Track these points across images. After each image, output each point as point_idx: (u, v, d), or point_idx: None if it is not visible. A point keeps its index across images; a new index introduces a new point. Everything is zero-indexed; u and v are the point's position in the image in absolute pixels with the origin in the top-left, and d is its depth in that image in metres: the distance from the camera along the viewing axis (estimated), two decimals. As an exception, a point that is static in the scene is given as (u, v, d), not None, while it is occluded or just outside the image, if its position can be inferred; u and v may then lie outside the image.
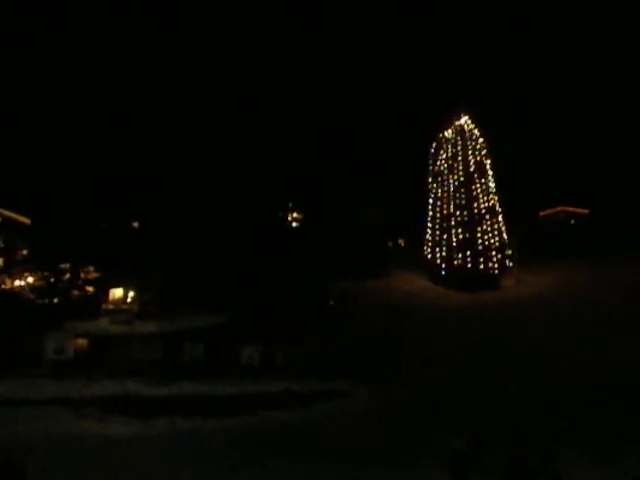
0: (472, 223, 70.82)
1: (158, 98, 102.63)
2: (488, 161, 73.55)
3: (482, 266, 68.73)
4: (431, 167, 77.22)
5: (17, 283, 61.78)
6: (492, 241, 70.18)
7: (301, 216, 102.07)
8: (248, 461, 21.74)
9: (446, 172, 74.17)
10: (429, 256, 72.59)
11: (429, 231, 74.02)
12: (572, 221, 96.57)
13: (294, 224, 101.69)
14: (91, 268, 63.91)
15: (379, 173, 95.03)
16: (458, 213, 71.56)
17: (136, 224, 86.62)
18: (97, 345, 43.43)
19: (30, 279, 62.18)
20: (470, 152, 73.71)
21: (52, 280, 62.10)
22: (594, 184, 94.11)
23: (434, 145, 77.64)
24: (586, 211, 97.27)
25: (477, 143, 74.06)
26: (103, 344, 43.77)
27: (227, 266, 64.26)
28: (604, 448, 23.69)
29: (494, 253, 69.52)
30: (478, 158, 73.38)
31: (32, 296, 59.04)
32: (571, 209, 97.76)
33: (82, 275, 63.39)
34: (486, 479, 19.00)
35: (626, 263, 65.01)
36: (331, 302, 59.21)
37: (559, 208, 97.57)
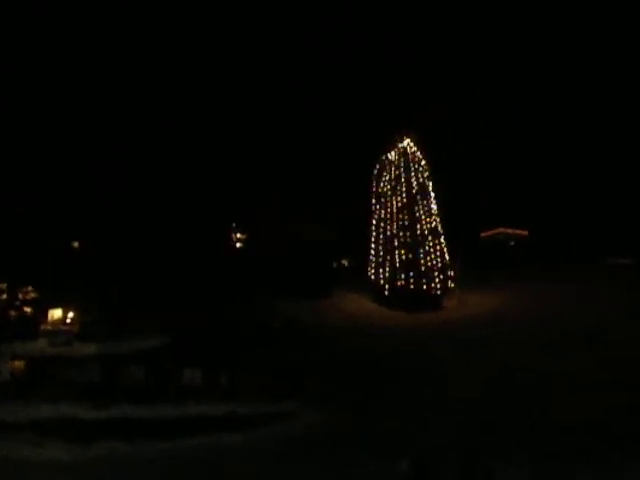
0: (415, 244, 71.55)
1: (94, 110, 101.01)
2: (430, 183, 74.55)
3: (425, 287, 69.40)
4: (374, 188, 77.87)
5: (-48, 304, 60.22)
6: (434, 262, 70.95)
7: (245, 236, 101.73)
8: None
9: (389, 194, 74.85)
10: (373, 277, 73.01)
11: (373, 252, 74.49)
12: (511, 242, 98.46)
13: (238, 244, 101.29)
14: (29, 288, 62.63)
15: (323, 194, 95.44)
16: (401, 234, 72.20)
17: (76, 244, 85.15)
18: (34, 367, 42.42)
19: (-35, 300, 60.65)
20: (413, 174, 74.60)
21: (-12, 301, 60.68)
22: (533, 206, 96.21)
23: (377, 167, 78.39)
24: (525, 232, 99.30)
25: (420, 165, 75.03)
26: (41, 366, 42.77)
27: (169, 287, 63.58)
28: (547, 465, 24.06)
29: (436, 274, 70.27)
30: (421, 180, 74.29)
31: (-33, 317, 57.54)
32: (510, 230, 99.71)
33: (20, 295, 62.03)
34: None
35: (567, 282, 66.76)
36: (275, 324, 59.00)
37: (499, 229, 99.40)
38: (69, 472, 24.10)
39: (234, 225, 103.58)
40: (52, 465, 25.27)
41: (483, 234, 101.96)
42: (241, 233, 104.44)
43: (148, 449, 29.30)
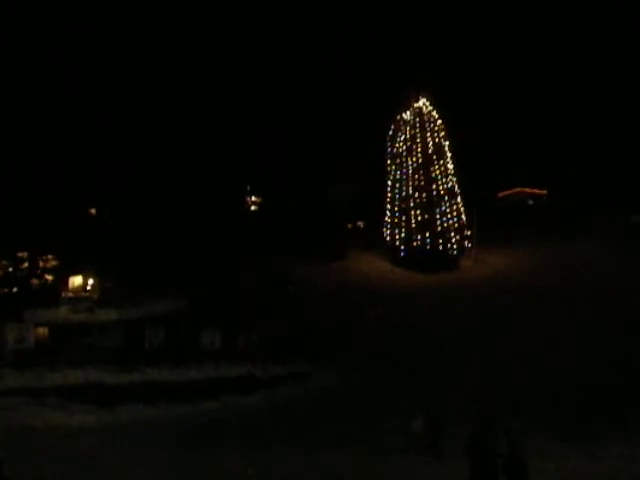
0: (431, 204, 71.46)
1: (115, 79, 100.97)
2: (447, 143, 74.18)
3: (441, 247, 69.49)
4: (389, 149, 77.62)
5: (-26, 273, 61.12)
6: (451, 222, 70.91)
7: (260, 199, 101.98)
8: (209, 446, 22.06)
9: (404, 154, 74.61)
10: (388, 238, 73.13)
11: (388, 213, 74.49)
12: (530, 202, 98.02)
13: (253, 207, 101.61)
14: (50, 256, 63.40)
15: (337, 155, 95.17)
16: (417, 195, 72.09)
17: (93, 211, 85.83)
18: (58, 334, 43.23)
19: (-12, 269, 61.54)
20: (428, 134, 74.22)
21: (10, 269, 61.53)
22: (552, 165, 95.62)
23: (392, 127, 78.04)
24: (544, 192, 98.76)
25: (435, 125, 74.59)
26: (64, 333, 43.57)
27: (186, 251, 64.13)
28: (568, 428, 24.35)
29: (453, 234, 70.29)
30: (437, 140, 73.92)
31: (-10, 286, 58.45)
32: (529, 190, 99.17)
33: (41, 263, 62.88)
34: (446, 460, 19.48)
35: (584, 242, 66.57)
36: (290, 287, 59.52)
37: (517, 189, 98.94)
38: (94, 435, 24.72)
39: (248, 188, 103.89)
40: (77, 429, 25.92)
41: (501, 194, 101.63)
42: (256, 196, 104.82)
43: (170, 411, 29.97)
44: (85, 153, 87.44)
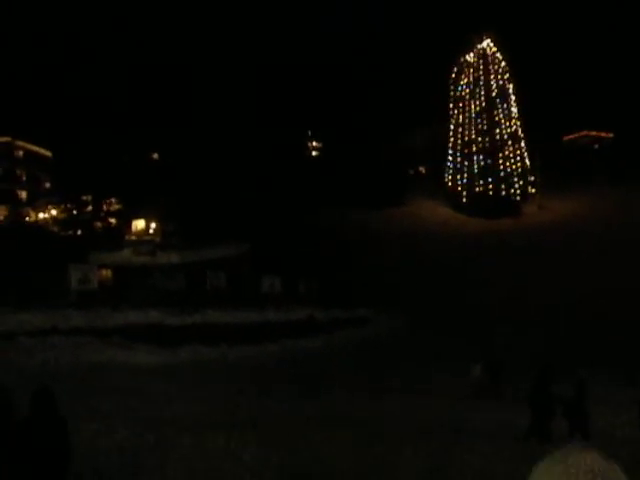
0: (494, 149, 69.99)
1: (177, 31, 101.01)
2: (511, 85, 72.17)
3: (504, 193, 68.21)
4: (452, 92, 75.96)
5: (41, 216, 62.44)
6: (514, 167, 69.45)
7: (320, 144, 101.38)
8: (267, 386, 22.15)
9: (467, 97, 73.01)
10: (450, 183, 72.11)
11: (450, 158, 73.32)
12: (596, 146, 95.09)
13: (314, 153, 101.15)
14: (113, 200, 64.36)
15: (398, 100, 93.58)
16: (480, 139, 70.68)
17: (156, 155, 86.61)
18: (121, 276, 43.99)
19: (54, 212, 62.80)
20: (492, 76, 72.32)
21: (75, 212, 62.69)
22: (618, 108, 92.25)
23: (455, 70, 76.22)
24: (610, 135, 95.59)
25: (499, 67, 72.58)
26: (127, 275, 44.30)
27: (247, 197, 64.33)
28: (627, 373, 23.83)
29: (516, 179, 68.88)
30: (500, 82, 72.01)
31: (56, 228, 59.70)
32: (595, 133, 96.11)
33: (104, 207, 63.93)
34: (506, 406, 19.23)
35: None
36: (346, 234, 59.24)
37: (583, 132, 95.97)
38: (157, 374, 25.07)
39: (310, 133, 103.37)
40: (140, 368, 26.32)
41: (566, 137, 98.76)
42: (317, 142, 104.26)
43: (231, 353, 30.25)
44: (148, 97, 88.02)
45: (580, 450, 1.78)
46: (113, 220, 62.43)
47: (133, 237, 57.37)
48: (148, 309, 35.80)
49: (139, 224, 59.47)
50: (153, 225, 59.76)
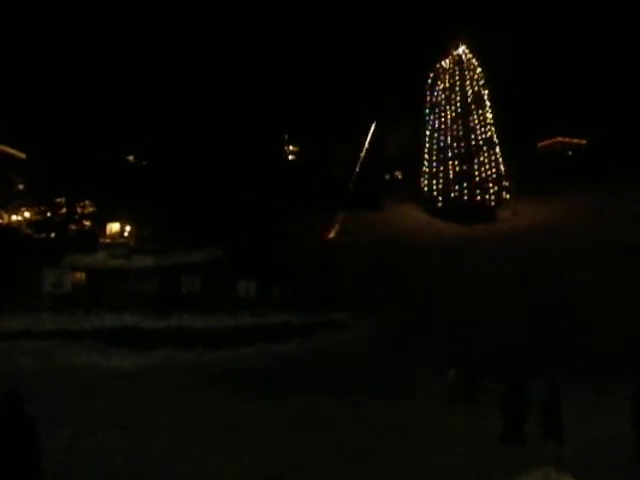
0: (469, 155, 70.46)
1: (154, 33, 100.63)
2: (486, 91, 72.75)
3: (479, 198, 68.68)
4: (428, 98, 76.36)
5: (14, 218, 61.85)
6: (489, 173, 69.96)
7: (297, 149, 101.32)
8: (242, 390, 22.11)
9: (443, 103, 73.44)
10: (426, 188, 72.44)
11: (426, 163, 73.67)
12: (569, 152, 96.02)
13: (290, 157, 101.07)
14: (87, 202, 63.86)
15: (375, 105, 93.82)
16: (455, 145, 71.12)
17: (131, 158, 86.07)
18: (95, 279, 43.66)
19: (27, 214, 62.24)
20: (468, 82, 72.85)
21: (49, 215, 62.17)
22: (592, 114, 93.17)
23: (431, 76, 76.65)
24: (584, 142, 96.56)
25: (475, 73, 73.14)
26: (101, 278, 43.98)
27: (222, 201, 64.13)
28: (599, 379, 24.04)
29: (491, 185, 69.39)
30: (476, 89, 72.56)
31: (29, 231, 59.17)
32: (568, 140, 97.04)
33: (79, 209, 63.41)
34: (478, 411, 19.36)
35: (625, 193, 64.91)
36: (331, 235, 59.37)
37: (556, 139, 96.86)
38: (131, 378, 24.91)
39: (286, 137, 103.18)
40: (115, 371, 26.14)
41: (540, 144, 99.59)
42: (294, 146, 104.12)
43: (206, 357, 30.12)
44: (124, 99, 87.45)
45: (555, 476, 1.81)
46: (87, 223, 62.04)
47: (107, 240, 57.03)
48: (123, 312, 35.57)
49: (114, 227, 59.14)
50: (128, 228, 59.45)
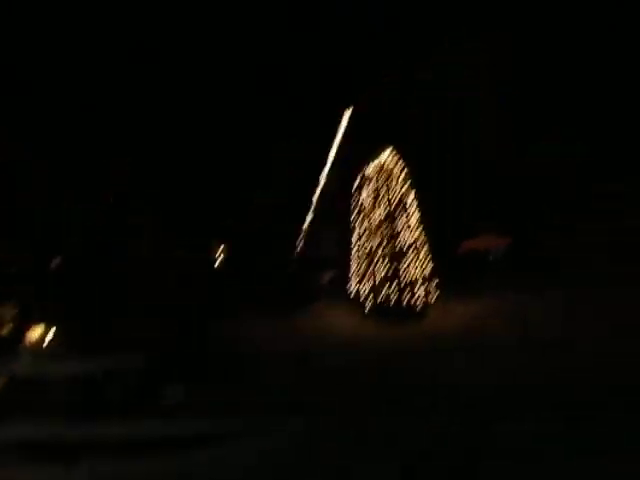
0: (397, 256, 71.47)
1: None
2: (412, 193, 74.61)
3: (407, 298, 69.32)
4: (354, 203, 77.85)
5: None
6: (417, 273, 70.92)
7: (222, 249, 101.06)
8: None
9: (368, 208, 74.94)
10: (354, 290, 72.82)
11: (353, 265, 74.38)
12: (494, 251, 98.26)
13: (219, 259, 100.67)
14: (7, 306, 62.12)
15: (303, 211, 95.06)
16: (381, 248, 72.18)
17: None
18: (13, 386, 42.19)
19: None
20: (393, 186, 74.66)
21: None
22: (515, 212, 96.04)
23: (357, 181, 78.41)
24: (509, 239, 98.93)
25: (400, 177, 75.13)
26: (19, 385, 42.46)
27: (144, 304, 62.98)
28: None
29: (419, 285, 70.22)
30: (403, 190, 74.41)
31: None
32: (494, 238, 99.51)
33: (-5, 312, 61.48)
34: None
35: (555, 288, 66.45)
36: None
37: (482, 237, 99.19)
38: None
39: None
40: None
41: (466, 242, 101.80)
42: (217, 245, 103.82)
43: (131, 468, 28.88)
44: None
45: None
46: (6, 326, 60.17)
47: (27, 345, 55.44)
48: (42, 422, 34.09)
49: (34, 332, 57.49)
50: (50, 334, 57.84)
